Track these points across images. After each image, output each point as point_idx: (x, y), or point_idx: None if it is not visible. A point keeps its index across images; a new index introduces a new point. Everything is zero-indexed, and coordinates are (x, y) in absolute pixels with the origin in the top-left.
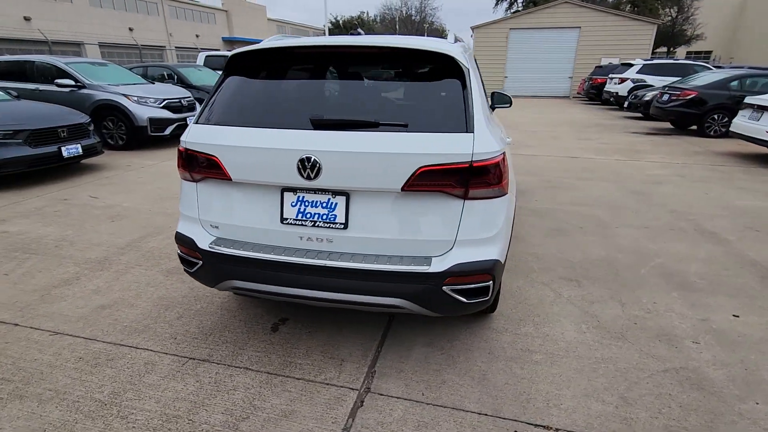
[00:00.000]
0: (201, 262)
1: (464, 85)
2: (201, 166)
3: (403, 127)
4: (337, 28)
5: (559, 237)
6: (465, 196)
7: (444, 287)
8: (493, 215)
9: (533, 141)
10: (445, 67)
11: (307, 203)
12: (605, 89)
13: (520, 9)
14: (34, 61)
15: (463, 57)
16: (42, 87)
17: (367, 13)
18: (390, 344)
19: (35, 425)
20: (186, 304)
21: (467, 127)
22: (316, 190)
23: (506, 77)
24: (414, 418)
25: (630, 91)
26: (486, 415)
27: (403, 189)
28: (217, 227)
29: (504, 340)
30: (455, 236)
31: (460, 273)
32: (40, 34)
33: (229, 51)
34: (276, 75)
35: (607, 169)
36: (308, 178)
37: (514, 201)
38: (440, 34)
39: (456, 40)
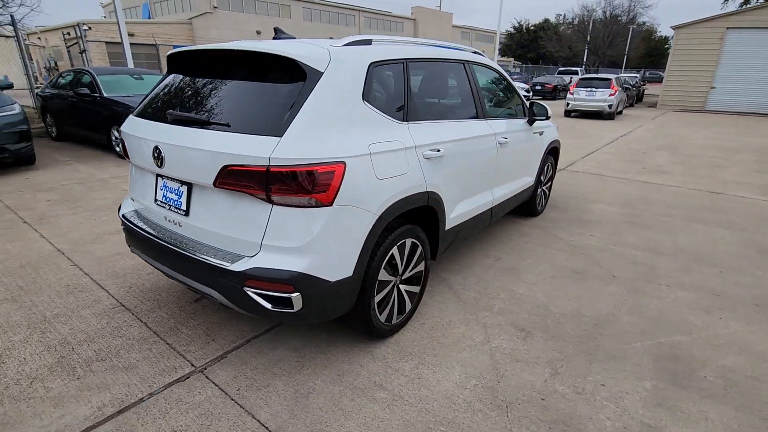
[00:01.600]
0: (123, 227)
1: (303, 90)
2: (124, 150)
3: (226, 126)
4: (518, 33)
5: (569, 280)
6: (271, 201)
7: (245, 288)
8: (303, 225)
9: (680, 168)
10: (291, 71)
11: (167, 188)
12: None
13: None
14: None
15: (319, 61)
16: None
17: (564, 16)
18: (265, 338)
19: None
20: None
21: (278, 131)
22: (171, 178)
23: (713, 88)
24: (206, 407)
25: None
26: (267, 429)
27: (214, 185)
28: (134, 200)
29: (369, 368)
30: (261, 240)
31: (259, 277)
32: None
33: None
34: (179, 73)
35: (749, 213)
36: (158, 165)
37: (366, 214)
38: (650, 35)
39: (354, 43)
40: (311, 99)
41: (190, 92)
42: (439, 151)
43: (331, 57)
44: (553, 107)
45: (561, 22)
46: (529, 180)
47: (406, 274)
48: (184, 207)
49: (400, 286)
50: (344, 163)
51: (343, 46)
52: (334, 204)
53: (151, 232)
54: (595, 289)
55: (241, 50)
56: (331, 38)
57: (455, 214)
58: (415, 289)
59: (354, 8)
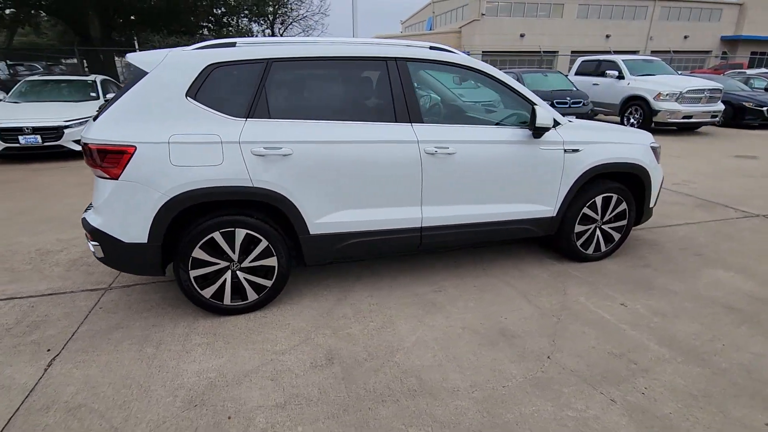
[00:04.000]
0: None
1: (128, 86)
2: None
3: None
4: None
5: (475, 340)
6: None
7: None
8: (100, 191)
9: None
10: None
11: None
12: None
13: None
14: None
15: (147, 63)
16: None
17: None
18: (164, 285)
19: None
20: None
21: (96, 117)
22: None
23: None
24: (65, 313)
25: None
26: (60, 346)
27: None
28: None
29: (174, 331)
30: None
31: (84, 226)
32: (531, 47)
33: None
34: None
35: None
36: None
37: (155, 193)
38: None
39: (209, 47)
40: (128, 93)
41: None
42: (281, 149)
43: (163, 60)
44: None
45: None
46: (540, 209)
47: (247, 264)
48: None
49: (239, 273)
50: (135, 147)
51: (192, 50)
52: (120, 178)
53: None
54: (489, 362)
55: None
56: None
57: (332, 221)
58: (265, 282)
59: None
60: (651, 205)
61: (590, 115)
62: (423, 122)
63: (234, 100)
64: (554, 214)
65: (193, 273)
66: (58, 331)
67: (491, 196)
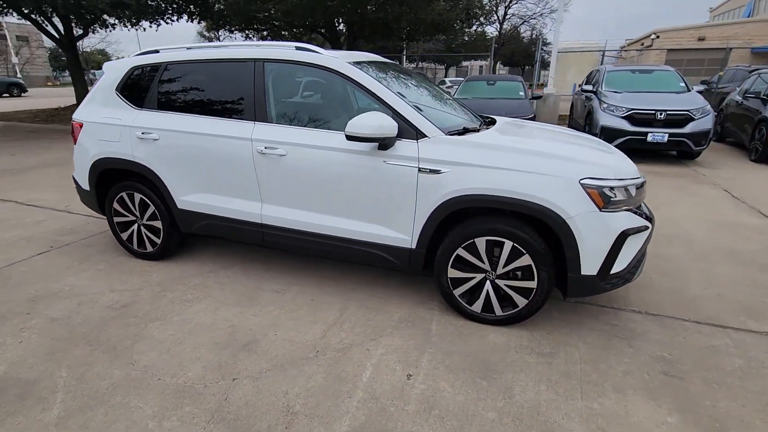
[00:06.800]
0: None
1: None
2: None
3: None
4: None
5: (196, 335)
6: None
7: None
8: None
9: None
10: None
11: None
12: None
13: None
14: None
15: (106, 67)
16: None
17: None
18: None
19: None
20: None
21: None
22: None
23: None
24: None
25: None
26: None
27: None
28: None
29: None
30: None
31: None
32: None
33: None
34: None
35: None
36: None
37: (88, 156)
38: None
39: (143, 53)
40: (94, 88)
41: None
42: (151, 134)
43: (112, 65)
44: None
45: None
46: (389, 235)
47: (144, 222)
48: None
49: (142, 228)
50: (83, 123)
51: (134, 56)
52: (77, 144)
53: None
54: (192, 355)
55: None
56: None
57: (191, 200)
58: (156, 239)
59: None
60: (587, 272)
61: None
62: (267, 122)
63: (139, 95)
64: (412, 246)
65: (116, 219)
66: (71, 239)
67: (328, 207)
